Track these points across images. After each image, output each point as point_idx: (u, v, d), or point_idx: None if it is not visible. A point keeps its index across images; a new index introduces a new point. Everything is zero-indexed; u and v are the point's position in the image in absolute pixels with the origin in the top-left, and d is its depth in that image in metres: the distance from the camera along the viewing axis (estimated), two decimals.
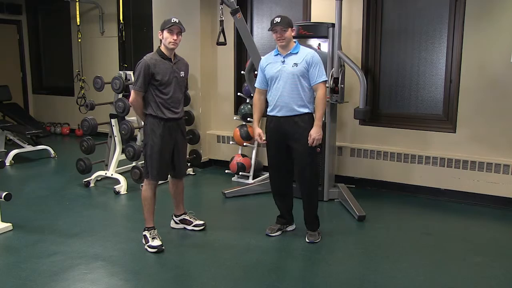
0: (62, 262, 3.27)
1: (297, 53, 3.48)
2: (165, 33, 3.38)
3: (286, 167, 3.68)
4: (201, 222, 3.89)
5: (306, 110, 3.49)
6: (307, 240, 3.63)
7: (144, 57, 3.42)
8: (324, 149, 4.48)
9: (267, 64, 3.57)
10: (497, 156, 4.41)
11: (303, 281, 3.06)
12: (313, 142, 3.45)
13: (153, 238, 3.50)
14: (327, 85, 4.06)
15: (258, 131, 3.67)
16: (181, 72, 3.55)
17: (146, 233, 3.54)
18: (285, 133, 3.54)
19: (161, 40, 3.45)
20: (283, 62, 3.49)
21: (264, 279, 3.05)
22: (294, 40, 3.55)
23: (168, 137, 3.51)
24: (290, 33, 3.44)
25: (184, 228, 3.89)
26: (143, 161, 3.61)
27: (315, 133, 3.44)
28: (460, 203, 4.58)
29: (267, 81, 3.58)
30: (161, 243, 3.48)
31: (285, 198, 3.81)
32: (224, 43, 4.36)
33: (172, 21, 3.38)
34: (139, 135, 5.26)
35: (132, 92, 3.46)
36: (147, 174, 3.53)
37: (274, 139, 3.61)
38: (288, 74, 3.45)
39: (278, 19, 3.42)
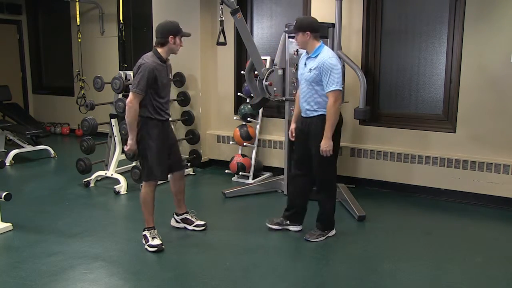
0: (62, 262, 3.28)
1: (315, 57, 3.47)
2: (178, 39, 3.42)
3: (305, 166, 3.69)
4: (202, 222, 3.89)
5: (320, 113, 3.49)
6: (304, 237, 3.66)
7: (146, 60, 3.36)
8: None
9: (299, 64, 3.66)
10: (497, 156, 4.41)
11: (303, 281, 3.06)
12: (324, 153, 3.44)
13: (153, 238, 3.50)
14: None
15: (291, 128, 3.79)
16: (169, 74, 3.62)
17: (146, 233, 3.54)
18: (304, 133, 3.61)
19: (163, 43, 3.41)
20: (305, 65, 3.54)
21: (264, 279, 3.05)
22: (320, 42, 3.52)
23: (166, 137, 3.56)
24: (301, 37, 3.47)
25: (185, 227, 3.88)
26: (141, 164, 3.58)
27: (323, 145, 3.42)
28: (460, 203, 4.57)
29: None
30: (161, 242, 3.48)
31: (300, 196, 3.79)
32: (224, 43, 4.36)
33: (185, 31, 3.48)
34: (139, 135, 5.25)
35: (132, 95, 3.34)
36: (148, 176, 3.51)
37: (297, 137, 3.72)
38: (305, 79, 3.52)
39: (294, 23, 3.49)
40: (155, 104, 3.42)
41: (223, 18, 4.28)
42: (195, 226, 3.86)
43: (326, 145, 3.40)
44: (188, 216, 3.89)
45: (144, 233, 3.56)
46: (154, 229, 3.57)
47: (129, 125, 3.39)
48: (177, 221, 3.91)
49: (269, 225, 3.85)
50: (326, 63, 3.38)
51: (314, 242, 3.62)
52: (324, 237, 3.69)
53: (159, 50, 3.43)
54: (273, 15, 5.57)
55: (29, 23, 8.68)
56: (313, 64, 3.45)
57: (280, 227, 3.83)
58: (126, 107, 3.36)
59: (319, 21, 3.93)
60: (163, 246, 3.46)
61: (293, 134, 3.76)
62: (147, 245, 3.48)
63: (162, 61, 3.43)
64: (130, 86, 5.09)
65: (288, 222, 3.83)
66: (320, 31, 3.58)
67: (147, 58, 3.39)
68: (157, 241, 3.48)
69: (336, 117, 3.41)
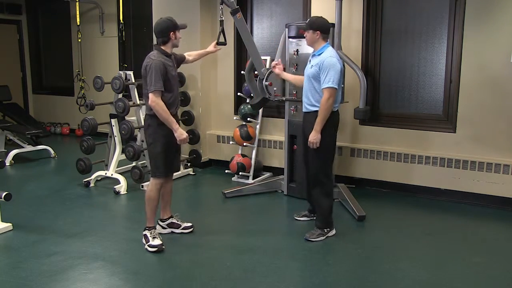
0: (62, 262, 3.28)
1: (319, 55, 3.60)
2: (177, 33, 3.49)
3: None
4: (189, 224, 3.84)
5: (315, 109, 3.61)
6: (304, 237, 3.68)
7: (152, 58, 3.37)
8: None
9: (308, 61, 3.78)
10: (497, 156, 4.41)
11: (303, 281, 3.06)
12: (311, 145, 3.58)
13: (153, 238, 3.50)
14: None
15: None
16: (176, 68, 3.66)
17: (146, 232, 3.54)
18: (303, 128, 3.78)
19: (166, 41, 3.44)
20: (310, 61, 3.69)
21: (264, 279, 3.05)
22: (326, 43, 3.64)
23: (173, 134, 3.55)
24: (310, 35, 3.61)
25: (172, 232, 3.80)
26: (149, 160, 3.55)
27: (311, 137, 3.57)
28: (460, 203, 4.58)
29: None
30: (161, 242, 3.48)
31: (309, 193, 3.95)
32: (224, 43, 4.36)
33: (185, 31, 3.62)
34: (139, 135, 5.26)
35: (152, 94, 3.30)
36: (155, 172, 3.51)
37: (300, 133, 3.89)
38: (308, 74, 3.66)
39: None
40: (164, 100, 3.39)
41: (223, 18, 4.28)
42: (183, 229, 3.80)
43: (314, 136, 3.56)
44: (174, 220, 3.83)
45: (144, 232, 3.55)
46: (155, 229, 3.58)
47: (165, 121, 3.36)
48: (163, 227, 3.81)
49: (297, 218, 4.12)
50: (325, 61, 3.51)
51: (314, 242, 3.63)
52: (324, 237, 3.69)
53: (163, 47, 3.47)
54: (273, 15, 5.57)
55: (29, 23, 8.69)
56: (315, 61, 3.59)
57: (308, 218, 4.08)
58: (152, 108, 3.34)
59: None
60: (164, 247, 3.46)
61: (277, 64, 3.93)
62: (148, 245, 3.47)
63: (168, 56, 3.48)
64: (130, 85, 5.15)
65: (313, 215, 4.04)
66: (329, 33, 3.72)
67: (153, 56, 3.40)
68: (157, 241, 3.47)
69: (327, 113, 3.53)
